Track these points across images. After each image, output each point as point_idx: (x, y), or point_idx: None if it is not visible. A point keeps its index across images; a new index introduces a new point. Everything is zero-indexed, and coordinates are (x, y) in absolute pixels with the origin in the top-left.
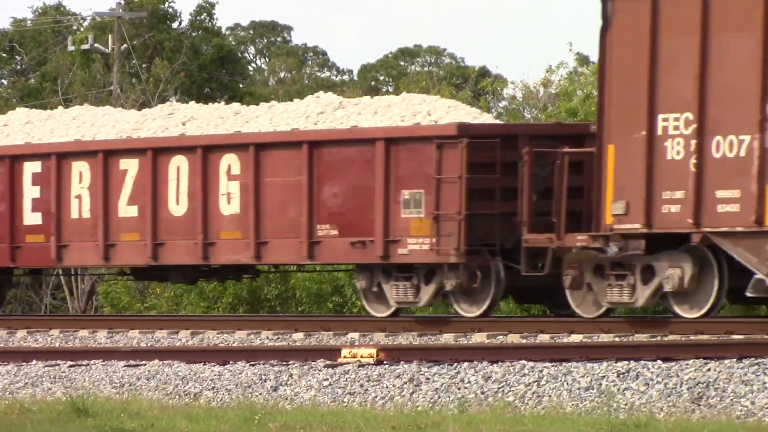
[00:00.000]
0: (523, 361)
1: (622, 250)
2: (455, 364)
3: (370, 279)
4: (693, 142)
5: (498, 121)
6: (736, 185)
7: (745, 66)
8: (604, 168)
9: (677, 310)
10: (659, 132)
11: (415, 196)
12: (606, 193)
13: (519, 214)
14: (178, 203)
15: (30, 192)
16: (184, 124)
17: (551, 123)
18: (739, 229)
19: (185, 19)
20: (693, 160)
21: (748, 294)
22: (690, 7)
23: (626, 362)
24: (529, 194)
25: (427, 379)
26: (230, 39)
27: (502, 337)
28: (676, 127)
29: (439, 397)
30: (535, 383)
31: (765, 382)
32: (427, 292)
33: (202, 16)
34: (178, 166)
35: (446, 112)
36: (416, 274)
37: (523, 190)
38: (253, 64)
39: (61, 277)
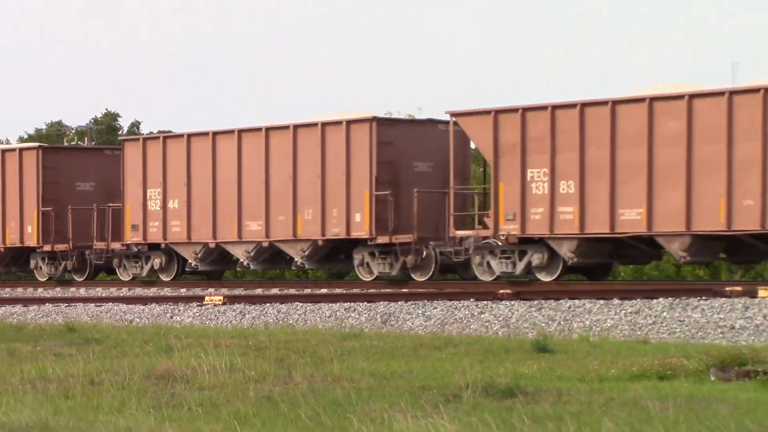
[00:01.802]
0: (297, 303)
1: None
2: (262, 304)
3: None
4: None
5: None
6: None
7: None
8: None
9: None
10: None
11: None
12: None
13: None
14: None
15: None
16: None
17: None
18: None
19: (125, 129)
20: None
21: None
22: None
23: (350, 303)
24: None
25: (249, 312)
26: None
27: (291, 290)
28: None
29: (254, 322)
30: (303, 313)
31: (419, 314)
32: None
33: (134, 129)
34: None
35: None
36: None
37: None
38: None
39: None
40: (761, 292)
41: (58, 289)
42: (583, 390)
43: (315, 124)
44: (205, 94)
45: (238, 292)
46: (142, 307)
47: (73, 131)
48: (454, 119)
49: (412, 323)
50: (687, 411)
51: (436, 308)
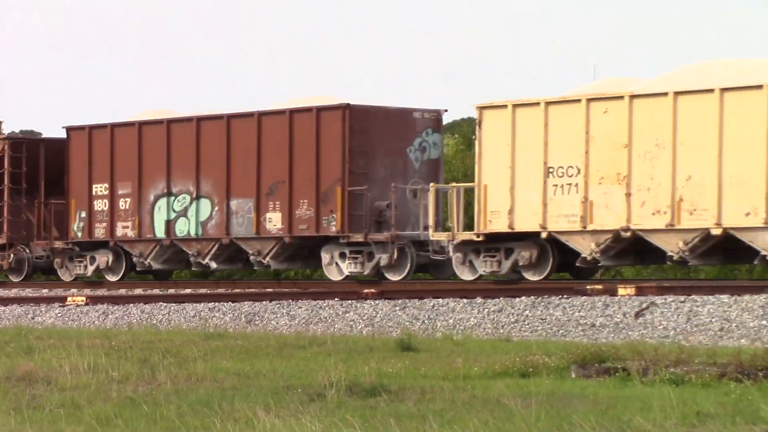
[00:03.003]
0: (161, 303)
1: None
2: (125, 305)
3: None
4: None
5: None
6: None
7: None
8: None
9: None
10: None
11: None
12: None
13: None
14: None
15: None
16: None
17: None
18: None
19: None
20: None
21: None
22: None
23: (214, 303)
24: None
25: (112, 313)
26: None
27: (155, 290)
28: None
29: (118, 322)
30: (167, 314)
31: (283, 313)
32: None
33: None
34: None
35: None
36: None
37: None
38: None
39: None
40: (621, 290)
41: None
42: (446, 388)
43: None
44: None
45: (101, 292)
46: (2, 308)
47: None
48: None
49: (277, 323)
50: (548, 408)
51: (300, 308)
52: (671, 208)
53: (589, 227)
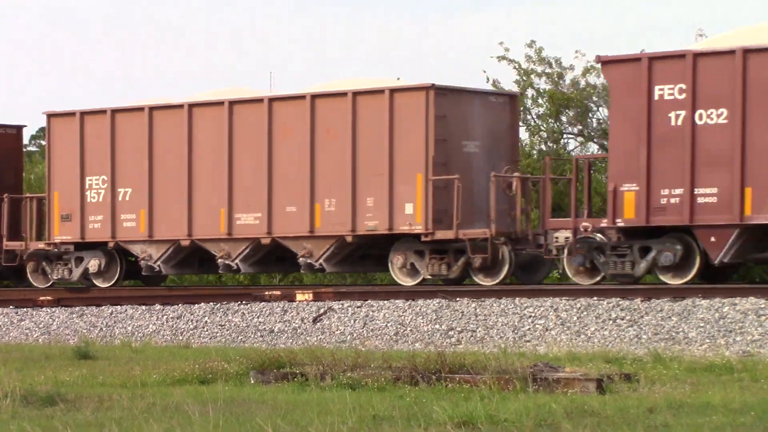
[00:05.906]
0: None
1: None
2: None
3: None
4: None
5: None
6: None
7: None
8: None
9: None
10: None
11: None
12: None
13: None
14: None
15: None
16: None
17: None
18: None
19: None
20: None
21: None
22: None
23: None
24: None
25: None
26: None
27: None
28: None
29: None
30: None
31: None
32: None
33: None
34: None
35: None
36: None
37: None
38: None
39: None
40: (299, 296)
41: None
42: (125, 396)
43: None
44: None
45: None
46: None
47: None
48: None
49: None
50: (228, 414)
51: None
52: None
53: None
